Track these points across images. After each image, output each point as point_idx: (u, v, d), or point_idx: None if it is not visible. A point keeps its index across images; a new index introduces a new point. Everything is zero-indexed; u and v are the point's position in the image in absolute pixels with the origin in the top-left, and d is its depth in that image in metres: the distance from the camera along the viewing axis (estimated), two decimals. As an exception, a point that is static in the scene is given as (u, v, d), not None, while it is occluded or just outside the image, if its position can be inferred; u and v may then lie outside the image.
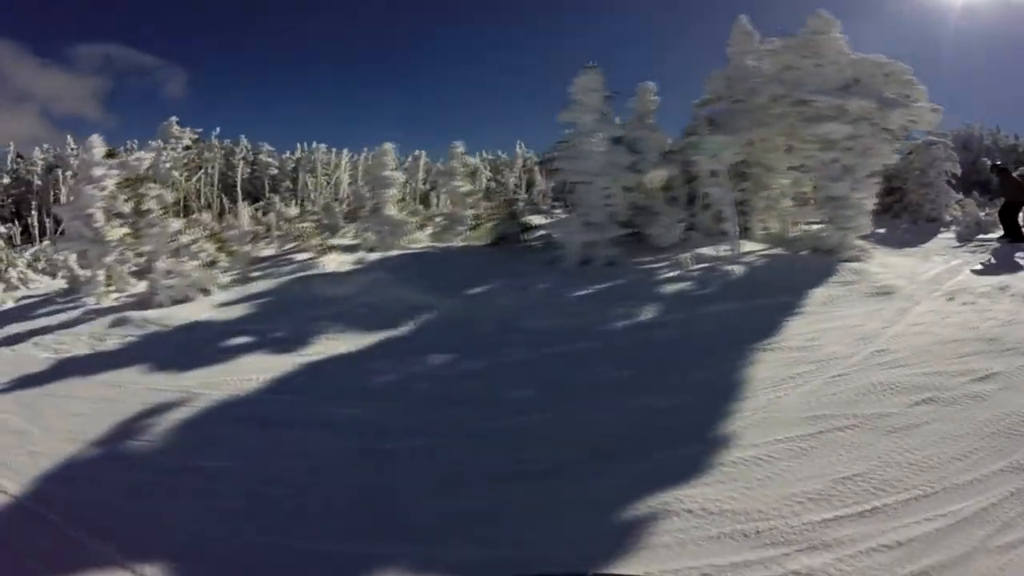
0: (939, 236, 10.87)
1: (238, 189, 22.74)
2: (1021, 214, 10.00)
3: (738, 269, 7.66)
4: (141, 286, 11.25)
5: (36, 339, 7.99)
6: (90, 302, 9.99)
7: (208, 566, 3.36)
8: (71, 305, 10.16)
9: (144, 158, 10.92)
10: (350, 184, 24.13)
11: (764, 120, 9.31)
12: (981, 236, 10.30)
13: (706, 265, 8.00)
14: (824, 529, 3.24)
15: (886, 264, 7.94)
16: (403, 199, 15.89)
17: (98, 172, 10.38)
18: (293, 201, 21.79)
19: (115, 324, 8.29)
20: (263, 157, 25.92)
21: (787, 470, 3.77)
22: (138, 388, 5.94)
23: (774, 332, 5.85)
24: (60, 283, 12.84)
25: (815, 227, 9.00)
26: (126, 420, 5.25)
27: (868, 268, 7.57)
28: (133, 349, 7.34)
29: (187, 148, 20.36)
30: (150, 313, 8.62)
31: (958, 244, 10.07)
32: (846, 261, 7.89)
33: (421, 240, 11.74)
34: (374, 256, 9.70)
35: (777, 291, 6.92)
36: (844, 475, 3.70)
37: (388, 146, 11.59)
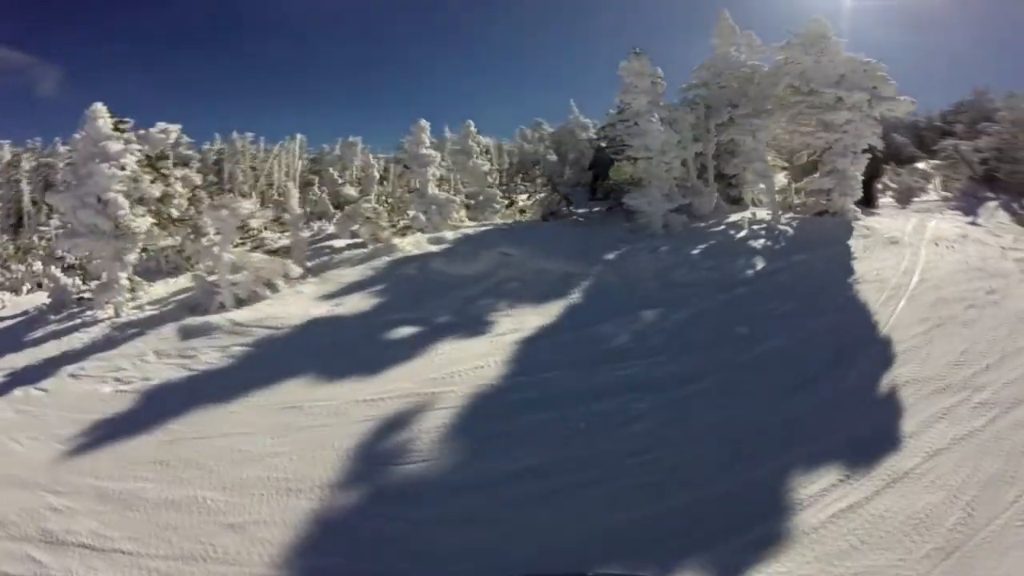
0: (879, 200, 14.97)
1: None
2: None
3: (788, 229, 10.38)
4: (160, 289, 10.42)
5: (70, 369, 7.03)
6: (103, 314, 9.01)
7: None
8: (77, 321, 8.97)
9: (171, 130, 10.03)
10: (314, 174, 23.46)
11: (774, 105, 12.15)
12: (915, 199, 14.62)
13: (760, 227, 10.61)
14: (974, 379, 5.80)
15: (878, 222, 11.30)
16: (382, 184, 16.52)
17: (115, 147, 9.30)
18: (231, 194, 20.62)
19: (188, 335, 7.63)
20: (183, 150, 23.65)
21: (932, 351, 6.35)
22: (330, 404, 5.58)
23: (851, 271, 8.61)
24: (34, 298, 11.27)
25: (815, 193, 12.14)
26: (358, 444, 4.82)
27: (871, 224, 10.81)
28: (256, 361, 6.81)
29: None
30: (236, 315, 8.06)
31: (900, 206, 14.18)
32: (850, 220, 11.06)
33: (463, 219, 12.77)
34: (451, 235, 10.57)
35: (827, 244, 9.77)
36: (961, 349, 6.37)
37: (424, 123, 12.24)
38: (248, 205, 9.17)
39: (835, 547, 3.66)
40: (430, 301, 7.89)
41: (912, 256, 9.40)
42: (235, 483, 4.57)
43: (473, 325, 7.12)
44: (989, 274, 8.65)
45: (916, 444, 4.74)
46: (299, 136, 26.37)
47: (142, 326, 8.39)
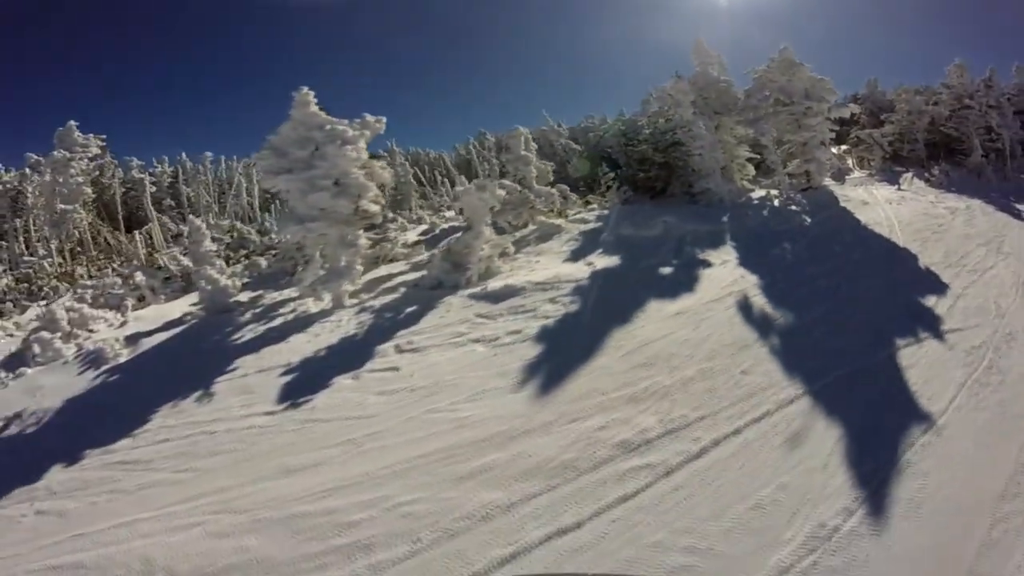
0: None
1: (118, 211, 21.57)
2: None
3: (802, 200, 16.25)
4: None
5: (384, 348, 8.20)
6: (319, 305, 10.25)
7: None
8: (291, 317, 10.10)
9: (382, 120, 11.50)
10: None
11: (764, 113, 18.16)
12: (847, 176, 21.65)
13: (781, 199, 16.37)
14: (959, 262, 11.80)
15: (845, 192, 17.71)
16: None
17: (350, 131, 10.40)
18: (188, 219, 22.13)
19: (495, 299, 9.62)
20: (135, 173, 24.06)
21: (931, 253, 12.31)
22: (697, 307, 8.86)
23: (858, 221, 14.52)
24: (160, 310, 11.93)
25: (796, 175, 18.37)
26: (743, 319, 8.52)
27: (845, 194, 17.13)
28: (594, 303, 9.29)
29: (92, 159, 18.92)
30: (503, 283, 10.28)
31: (838, 183, 21.12)
32: (831, 192, 17.33)
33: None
34: (590, 216, 14.88)
35: (830, 207, 15.79)
36: (944, 251, 12.47)
37: (523, 129, 16.42)
38: (501, 192, 11.51)
39: (962, 314, 8.78)
40: (653, 253, 11.94)
41: (883, 211, 15.71)
42: (711, 354, 7.55)
43: (698, 262, 11.38)
44: (932, 217, 15.14)
45: (956, 284, 10.17)
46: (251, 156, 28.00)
47: (405, 306, 10.01)
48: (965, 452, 5.54)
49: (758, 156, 21.21)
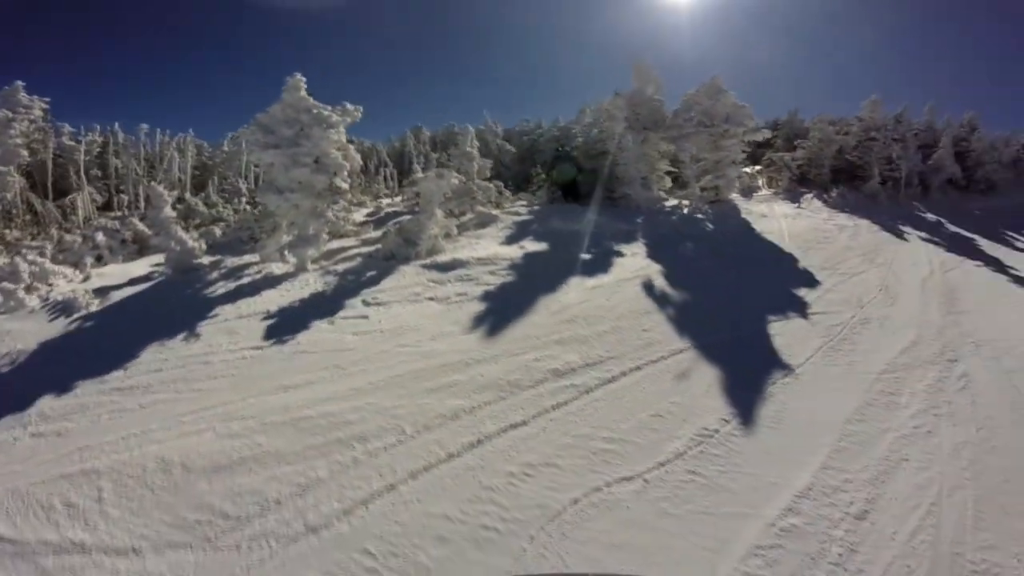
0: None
1: (48, 178, 20.99)
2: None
3: (708, 209, 18.90)
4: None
5: (354, 302, 9.77)
6: (282, 267, 11.59)
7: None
8: (259, 276, 11.34)
9: (359, 108, 12.83)
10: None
11: (687, 132, 20.82)
12: (755, 193, 24.81)
13: (689, 208, 18.96)
14: (835, 267, 14.56)
15: (748, 207, 20.63)
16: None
17: (334, 117, 11.95)
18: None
19: (443, 269, 11.53)
20: (66, 140, 23.23)
21: (812, 257, 15.03)
22: (617, 281, 11.04)
23: (757, 230, 17.28)
24: (125, 268, 12.65)
25: (706, 189, 21.14)
26: (644, 294, 10.92)
27: (748, 208, 20.03)
28: (529, 275, 11.39)
29: (33, 121, 18.50)
30: (446, 258, 12.16)
31: (745, 198, 24.24)
32: (736, 205, 20.19)
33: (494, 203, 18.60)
34: (523, 211, 16.57)
35: (734, 217, 18.54)
36: (824, 257, 15.25)
37: (471, 128, 17.96)
38: (454, 179, 13.21)
39: (827, 303, 11.21)
40: (576, 242, 13.97)
41: (778, 223, 18.61)
42: (620, 316, 9.59)
43: (611, 253, 13.49)
44: (821, 231, 18.14)
45: (828, 282, 12.69)
46: (190, 132, 27.67)
47: (364, 271, 11.57)
48: (817, 391, 7.51)
49: (676, 170, 24.03)
